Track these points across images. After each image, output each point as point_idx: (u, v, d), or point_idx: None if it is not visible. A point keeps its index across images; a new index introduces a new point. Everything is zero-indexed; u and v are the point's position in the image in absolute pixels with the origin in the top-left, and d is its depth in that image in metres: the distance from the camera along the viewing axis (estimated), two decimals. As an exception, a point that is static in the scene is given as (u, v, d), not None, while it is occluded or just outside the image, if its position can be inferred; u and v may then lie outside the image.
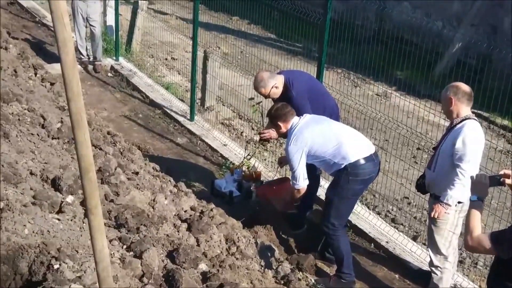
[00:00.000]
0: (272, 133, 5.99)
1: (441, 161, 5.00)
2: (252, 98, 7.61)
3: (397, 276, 5.97)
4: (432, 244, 5.26)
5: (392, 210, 7.11)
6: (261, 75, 5.99)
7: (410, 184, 6.83)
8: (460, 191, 4.88)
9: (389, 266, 6.11)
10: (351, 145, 5.30)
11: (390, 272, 6.02)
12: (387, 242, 6.35)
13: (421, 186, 5.35)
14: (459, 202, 4.99)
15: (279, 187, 6.16)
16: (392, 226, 6.70)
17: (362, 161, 5.25)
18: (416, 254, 6.16)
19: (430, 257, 5.33)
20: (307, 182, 5.42)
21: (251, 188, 6.78)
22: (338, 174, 5.33)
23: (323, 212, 5.65)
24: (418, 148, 8.21)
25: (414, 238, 6.52)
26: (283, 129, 5.50)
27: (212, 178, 7.36)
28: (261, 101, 6.80)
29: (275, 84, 5.93)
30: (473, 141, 4.82)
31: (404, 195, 7.33)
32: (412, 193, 6.88)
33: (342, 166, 5.25)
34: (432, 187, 5.17)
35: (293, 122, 5.45)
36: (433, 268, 5.30)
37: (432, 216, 5.04)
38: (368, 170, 5.29)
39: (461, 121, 4.91)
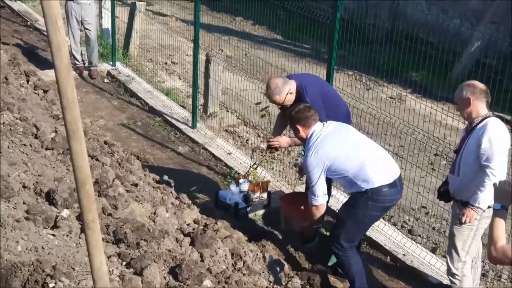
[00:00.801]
0: (282, 141, 5.99)
1: (466, 165, 5.01)
2: (259, 103, 7.63)
3: (415, 291, 5.96)
4: (452, 250, 5.27)
5: (409, 220, 7.10)
6: (275, 81, 5.95)
7: (428, 192, 6.82)
8: (491, 193, 4.85)
9: (407, 280, 6.10)
10: (376, 168, 5.18)
11: (407, 286, 6.01)
12: (404, 254, 6.34)
13: (445, 193, 5.34)
14: (488, 207, 4.99)
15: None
16: (409, 237, 6.68)
17: (385, 188, 5.14)
18: (435, 267, 6.14)
19: (448, 264, 5.34)
20: (326, 198, 5.38)
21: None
22: (357, 195, 5.25)
23: (333, 230, 5.58)
24: (436, 154, 8.19)
25: (433, 250, 6.51)
26: (302, 134, 5.41)
27: (216, 189, 7.36)
28: (268, 106, 6.81)
29: (290, 90, 5.93)
30: (499, 138, 4.85)
31: (421, 205, 7.31)
32: (430, 202, 6.87)
33: (363, 189, 5.16)
34: (458, 193, 5.16)
35: (315, 129, 5.34)
36: (451, 277, 5.33)
37: (463, 221, 5.02)
38: (389, 198, 5.20)
39: (481, 120, 4.93)
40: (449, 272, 5.35)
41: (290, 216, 6.22)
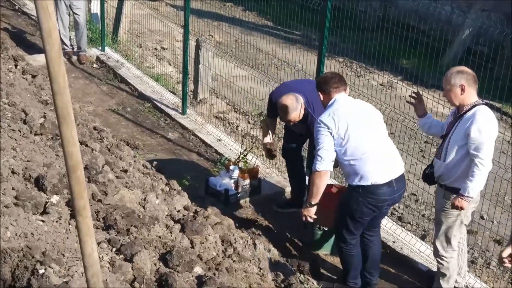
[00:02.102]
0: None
1: (452, 151, 5.04)
2: (261, 113, 7.64)
3: (405, 277, 6.00)
4: (438, 234, 5.34)
5: (399, 207, 7.13)
6: (291, 101, 6.00)
7: (418, 180, 6.85)
8: (481, 182, 4.93)
9: (397, 267, 6.14)
10: (375, 164, 5.05)
11: (397, 273, 6.05)
12: (393, 241, 6.38)
13: (429, 176, 5.39)
14: None
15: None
16: (398, 225, 6.72)
17: (379, 188, 5.05)
18: (425, 254, 6.19)
19: (435, 247, 5.40)
20: (331, 166, 5.10)
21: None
22: (349, 188, 5.22)
23: (335, 227, 5.53)
24: (426, 142, 8.23)
25: (423, 237, 6.55)
26: (324, 101, 5.31)
27: (206, 176, 7.37)
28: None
29: (302, 106, 6.05)
30: (489, 128, 4.88)
31: (411, 192, 7.35)
32: (420, 190, 6.91)
33: (355, 184, 5.09)
34: (443, 178, 5.20)
35: (337, 98, 5.21)
36: (439, 259, 5.41)
37: (457, 209, 5.07)
38: (382, 198, 5.10)
39: (471, 108, 4.95)
40: (436, 254, 5.43)
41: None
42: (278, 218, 6.67)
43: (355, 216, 5.20)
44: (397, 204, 7.11)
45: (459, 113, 5.05)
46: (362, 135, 5.08)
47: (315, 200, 5.16)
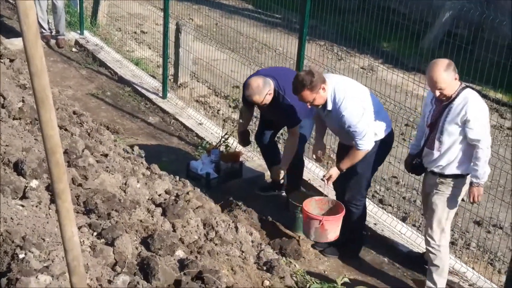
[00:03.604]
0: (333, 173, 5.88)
1: (446, 140, 5.00)
2: (236, 106, 7.62)
3: (386, 259, 6.05)
4: (434, 220, 5.25)
5: (380, 190, 7.17)
6: (256, 81, 6.03)
7: (399, 162, 6.88)
8: (486, 165, 4.95)
9: (377, 249, 6.18)
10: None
11: (378, 255, 6.10)
12: (375, 224, 6.42)
13: (417, 167, 5.38)
14: (461, 176, 5.10)
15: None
16: (380, 207, 6.76)
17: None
18: (406, 236, 6.24)
19: (429, 234, 5.30)
20: (373, 143, 5.50)
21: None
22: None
23: (350, 190, 5.74)
24: (407, 125, 8.27)
25: (403, 219, 6.60)
26: (326, 93, 5.39)
27: (188, 160, 7.35)
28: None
29: (269, 91, 6.05)
30: (483, 112, 4.92)
31: (392, 175, 7.39)
32: (401, 172, 6.94)
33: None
34: (437, 166, 5.14)
35: (334, 81, 5.48)
36: (430, 248, 5.31)
37: (475, 201, 5.06)
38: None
39: (458, 94, 4.92)
40: (428, 243, 5.33)
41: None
42: (260, 201, 6.68)
43: (374, 165, 5.73)
44: (378, 187, 7.16)
45: (447, 101, 4.96)
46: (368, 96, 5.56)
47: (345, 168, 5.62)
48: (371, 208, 6.58)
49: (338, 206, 5.71)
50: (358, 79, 7.47)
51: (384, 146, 5.67)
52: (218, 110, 9.02)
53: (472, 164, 4.95)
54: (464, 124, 4.86)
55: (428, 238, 5.33)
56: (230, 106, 9.17)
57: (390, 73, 7.79)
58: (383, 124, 5.56)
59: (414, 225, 6.55)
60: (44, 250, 3.36)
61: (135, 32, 12.13)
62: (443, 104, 5.00)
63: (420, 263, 5.83)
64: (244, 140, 6.78)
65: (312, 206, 5.79)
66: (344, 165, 5.60)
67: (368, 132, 5.39)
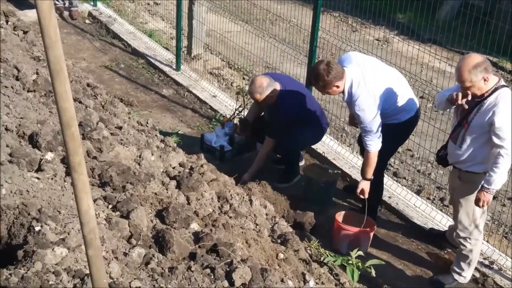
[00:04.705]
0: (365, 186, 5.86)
1: (470, 138, 4.81)
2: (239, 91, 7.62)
3: (400, 233, 6.03)
4: (460, 214, 5.11)
5: (394, 163, 7.13)
6: (261, 80, 6.17)
7: (413, 135, 6.83)
8: (505, 173, 4.71)
9: (392, 223, 6.17)
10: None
11: (392, 229, 6.08)
12: (389, 197, 6.39)
13: (443, 158, 5.23)
14: (484, 173, 4.87)
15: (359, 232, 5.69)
16: (394, 180, 6.73)
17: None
18: (420, 209, 6.21)
19: (458, 229, 5.17)
20: (380, 144, 5.54)
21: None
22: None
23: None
24: (422, 97, 8.18)
25: (418, 192, 6.57)
26: (341, 88, 5.44)
27: (202, 132, 7.34)
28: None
29: (271, 94, 6.16)
30: None
31: (407, 147, 7.34)
32: (416, 145, 6.90)
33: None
34: (459, 163, 5.01)
35: (353, 77, 5.44)
36: (461, 240, 5.17)
37: (481, 206, 4.84)
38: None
39: (492, 93, 4.64)
40: (457, 235, 5.19)
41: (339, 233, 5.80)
42: (274, 174, 6.67)
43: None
44: (392, 160, 7.12)
45: (478, 97, 4.70)
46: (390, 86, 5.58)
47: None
48: (386, 181, 6.53)
49: (367, 221, 5.68)
50: (373, 50, 7.42)
51: (403, 129, 5.74)
52: (232, 83, 8.98)
53: (489, 168, 4.74)
54: (490, 126, 4.62)
55: (458, 230, 5.17)
56: (243, 79, 9.12)
57: (405, 44, 7.68)
58: (405, 109, 5.59)
59: (428, 198, 6.52)
60: (60, 222, 3.36)
61: (148, 4, 12.05)
62: (475, 100, 4.73)
63: (439, 240, 5.79)
64: (242, 128, 6.81)
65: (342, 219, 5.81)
66: (367, 174, 5.65)
67: (377, 134, 5.46)
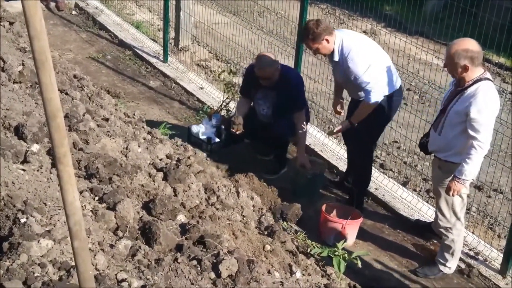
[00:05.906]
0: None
1: (448, 126, 4.84)
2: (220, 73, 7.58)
3: (386, 224, 6.05)
4: (441, 205, 5.15)
5: (381, 155, 7.15)
6: (268, 55, 6.21)
7: (400, 127, 6.86)
8: (477, 165, 4.72)
9: (378, 214, 6.19)
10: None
11: (379, 220, 6.10)
12: (376, 188, 6.41)
13: (424, 145, 5.25)
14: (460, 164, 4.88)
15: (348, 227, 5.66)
16: (381, 171, 6.75)
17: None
18: (407, 201, 6.24)
19: (438, 217, 5.22)
20: (381, 96, 5.59)
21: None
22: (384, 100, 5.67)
23: (358, 142, 5.92)
24: (409, 89, 8.21)
25: (404, 184, 6.59)
26: (331, 44, 5.54)
27: (189, 124, 7.32)
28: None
29: (278, 67, 6.15)
30: (489, 109, 4.62)
31: (393, 139, 7.37)
32: (402, 137, 6.92)
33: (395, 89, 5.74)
34: (437, 151, 5.07)
35: (342, 37, 5.58)
36: (442, 230, 5.21)
37: (451, 195, 4.86)
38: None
39: (473, 83, 4.65)
40: (439, 225, 5.23)
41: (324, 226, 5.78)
42: (261, 166, 6.67)
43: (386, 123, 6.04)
44: (379, 152, 7.14)
45: (460, 86, 4.76)
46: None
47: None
48: (372, 173, 6.55)
49: (353, 212, 5.72)
50: (360, 43, 7.40)
51: (390, 103, 5.75)
52: (219, 74, 8.95)
53: (462, 158, 4.75)
54: (466, 116, 4.64)
55: (438, 220, 5.22)
56: (231, 71, 9.09)
57: (392, 37, 7.69)
58: (390, 81, 5.63)
59: (414, 190, 6.55)
60: (46, 214, 3.35)
61: (135, -5, 12.00)
62: (457, 89, 4.79)
63: (425, 231, 5.83)
64: (237, 126, 6.51)
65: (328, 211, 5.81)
66: (354, 119, 5.76)
67: (376, 85, 5.49)
